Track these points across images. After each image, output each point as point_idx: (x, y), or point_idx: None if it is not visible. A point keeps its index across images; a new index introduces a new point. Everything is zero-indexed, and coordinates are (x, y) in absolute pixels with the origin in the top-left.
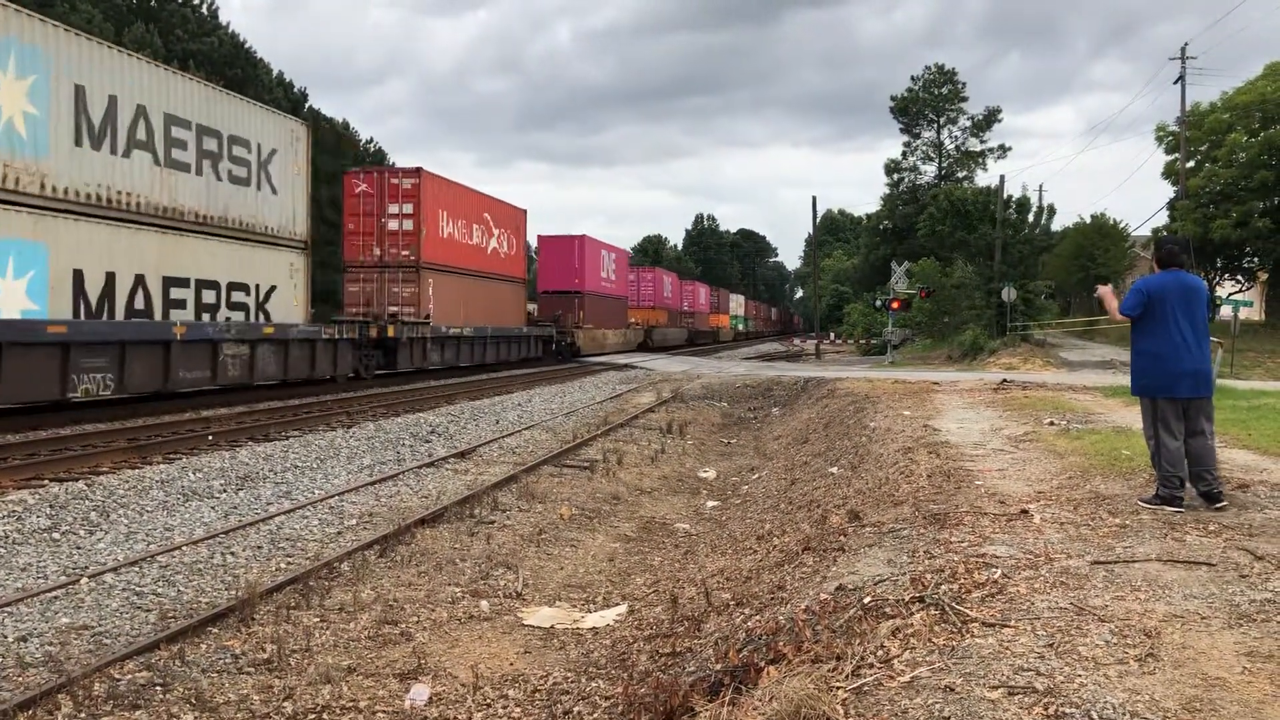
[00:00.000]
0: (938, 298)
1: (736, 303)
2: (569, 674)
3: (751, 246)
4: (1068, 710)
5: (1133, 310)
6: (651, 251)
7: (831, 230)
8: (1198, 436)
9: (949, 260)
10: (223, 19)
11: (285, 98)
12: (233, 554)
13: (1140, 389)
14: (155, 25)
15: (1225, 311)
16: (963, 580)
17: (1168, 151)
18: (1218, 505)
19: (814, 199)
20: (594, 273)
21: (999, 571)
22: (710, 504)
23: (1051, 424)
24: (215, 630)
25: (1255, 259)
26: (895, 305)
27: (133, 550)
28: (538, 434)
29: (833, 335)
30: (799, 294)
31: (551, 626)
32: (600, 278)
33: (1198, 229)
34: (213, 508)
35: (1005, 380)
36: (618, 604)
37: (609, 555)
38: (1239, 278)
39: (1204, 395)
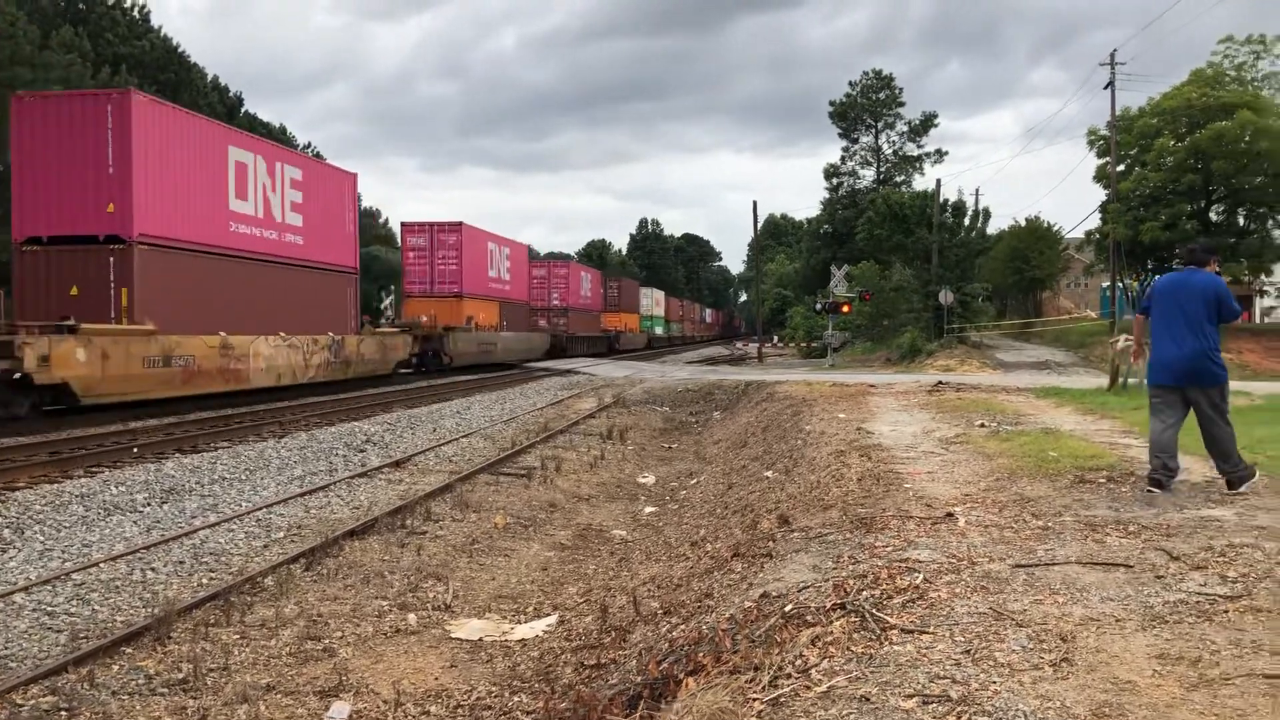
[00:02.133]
0: (877, 301)
1: (651, 300)
2: (494, 688)
3: (696, 251)
4: (979, 719)
5: (1142, 308)
6: (596, 256)
7: (775, 235)
8: (1205, 424)
9: (888, 264)
10: (159, 23)
11: (220, 103)
12: (153, 570)
13: (1146, 378)
14: (84, 28)
15: None
16: (885, 586)
17: (1099, 155)
18: (1234, 491)
19: (754, 204)
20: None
21: (921, 576)
22: (648, 510)
23: (982, 426)
24: (129, 650)
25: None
26: (835, 309)
27: (46, 568)
28: (476, 441)
29: (775, 339)
30: (743, 298)
31: (480, 639)
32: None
33: (1128, 231)
34: (135, 522)
35: (940, 382)
36: (548, 614)
37: (543, 564)
38: None
39: (1196, 385)
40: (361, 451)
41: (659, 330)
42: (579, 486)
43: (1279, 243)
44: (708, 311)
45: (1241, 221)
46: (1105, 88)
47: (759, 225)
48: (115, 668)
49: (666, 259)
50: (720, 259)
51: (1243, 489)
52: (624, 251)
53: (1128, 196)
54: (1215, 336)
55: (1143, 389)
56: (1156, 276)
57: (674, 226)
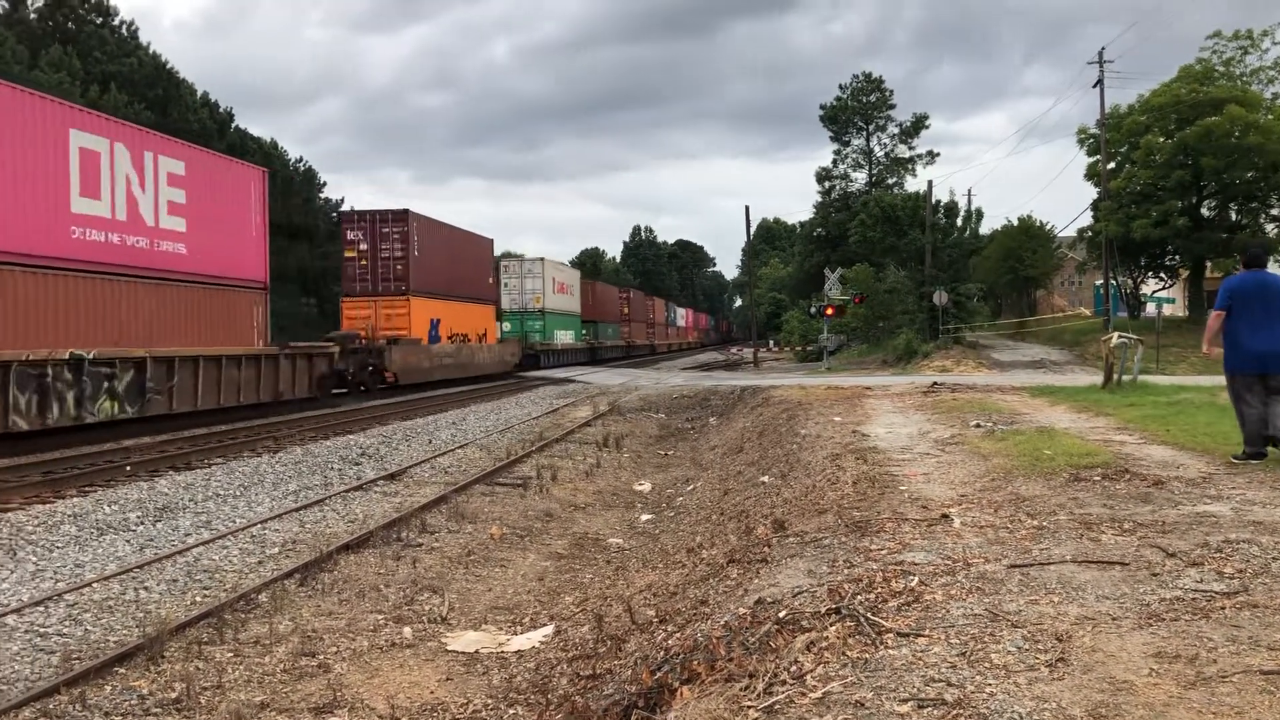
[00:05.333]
0: (871, 303)
1: (560, 292)
2: (489, 700)
3: (689, 257)
4: None
5: (1220, 306)
6: (590, 265)
7: (768, 239)
8: (1277, 404)
9: (882, 266)
10: (149, 39)
11: (210, 118)
12: (146, 589)
13: (1226, 368)
14: (73, 47)
15: (1149, 309)
16: (880, 589)
17: (1089, 154)
18: None
19: (747, 208)
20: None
21: (916, 579)
22: (644, 518)
23: (978, 426)
24: (122, 670)
25: (1176, 257)
26: (830, 312)
27: (39, 589)
28: (471, 452)
29: (771, 343)
30: (738, 303)
31: (476, 651)
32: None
33: (1120, 229)
34: (128, 541)
35: (936, 383)
36: (545, 625)
37: (539, 574)
38: (1161, 275)
39: (1278, 371)
40: (357, 465)
41: (581, 337)
42: (575, 495)
43: (1271, 236)
44: (680, 312)
45: (1234, 216)
46: (1094, 86)
47: (752, 230)
48: (108, 688)
49: (660, 265)
50: (714, 264)
51: None
52: (618, 259)
53: (1119, 194)
54: None
55: (1136, 386)
56: (1227, 276)
57: (667, 233)
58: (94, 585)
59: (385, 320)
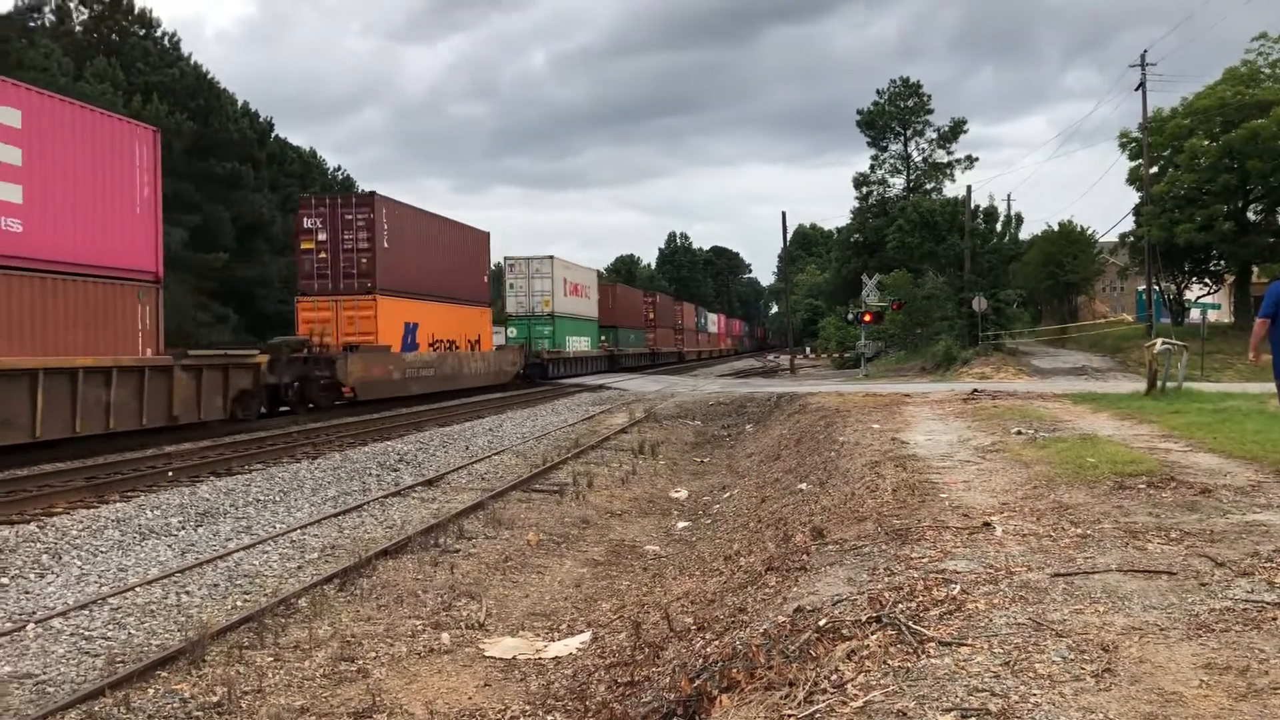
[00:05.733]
0: (910, 309)
1: (574, 294)
2: (528, 707)
3: (725, 263)
4: None
5: (1265, 313)
6: (625, 271)
7: (804, 245)
8: None
9: (920, 272)
10: (191, 50)
11: (250, 128)
12: (188, 593)
13: (1276, 374)
14: (116, 59)
15: (1194, 314)
16: (921, 598)
17: (1131, 157)
18: None
19: (784, 214)
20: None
21: (958, 587)
22: (681, 525)
23: (1019, 433)
24: (164, 674)
25: (1221, 262)
26: (867, 318)
27: (84, 593)
28: (508, 459)
29: (808, 350)
30: (773, 309)
31: (513, 657)
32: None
33: (1163, 234)
34: (169, 546)
35: (976, 390)
36: (582, 631)
37: (576, 581)
38: (1206, 280)
39: None
40: (394, 470)
41: (580, 342)
42: (611, 502)
43: None
44: (711, 317)
45: None
46: (1136, 89)
47: (789, 236)
48: (151, 691)
49: (695, 272)
50: (750, 271)
51: None
52: (653, 266)
53: (1162, 198)
54: None
55: (1181, 393)
56: (1273, 282)
57: (703, 240)
58: (137, 589)
59: (348, 324)
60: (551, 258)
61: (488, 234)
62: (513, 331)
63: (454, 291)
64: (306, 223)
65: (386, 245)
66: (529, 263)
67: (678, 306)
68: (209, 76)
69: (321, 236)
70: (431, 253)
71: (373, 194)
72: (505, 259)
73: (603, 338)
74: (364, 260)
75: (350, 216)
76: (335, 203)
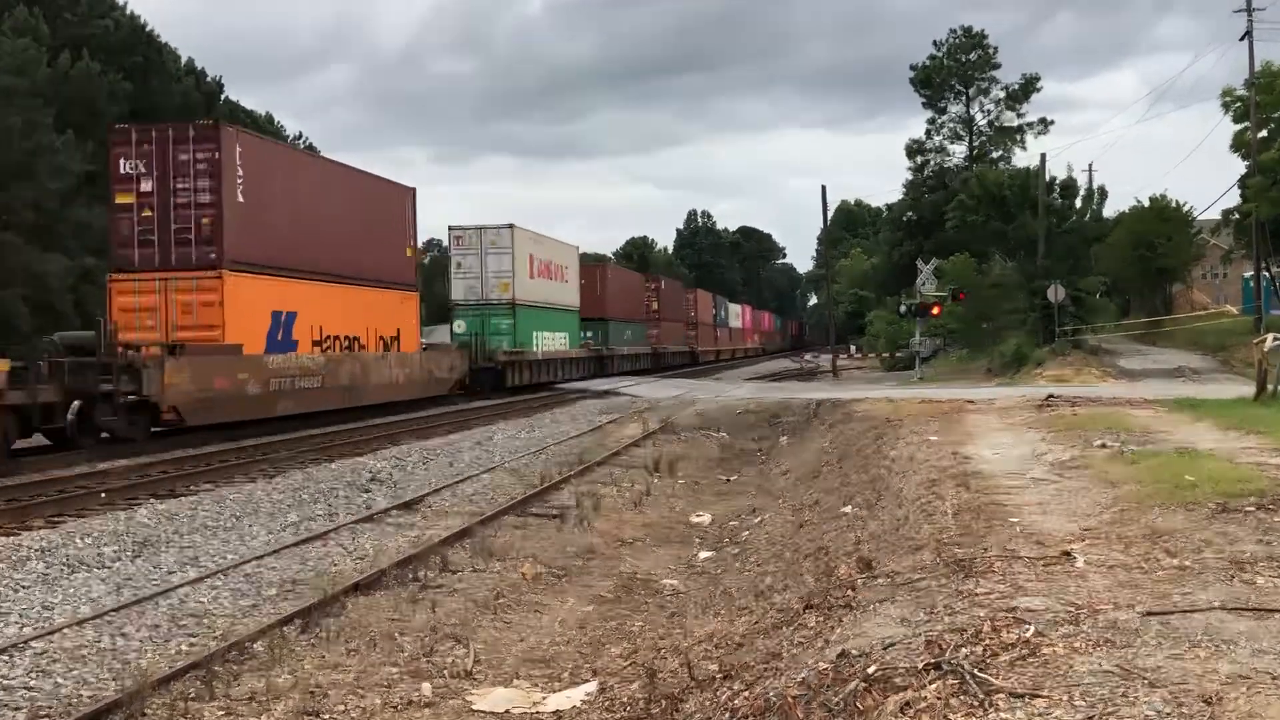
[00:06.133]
0: (973, 300)
1: (544, 276)
2: None
3: (754, 247)
4: None
5: None
6: (637, 256)
7: (849, 225)
8: None
9: (985, 256)
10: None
11: (196, 88)
12: (124, 635)
13: None
14: (38, 8)
15: None
16: (988, 641)
17: (1236, 120)
18: None
19: (823, 189)
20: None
21: (1032, 629)
22: (703, 555)
23: (1103, 446)
24: None
25: None
26: (937, 310)
27: (2, 635)
28: (499, 477)
29: (852, 348)
30: (812, 300)
31: (506, 711)
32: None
33: (1274, 209)
34: (103, 580)
35: (1051, 395)
36: (587, 681)
37: (580, 622)
38: None
39: None
40: (366, 492)
41: (553, 340)
42: (621, 529)
43: None
44: (734, 309)
45: None
46: (1242, 39)
47: (830, 214)
48: None
49: (720, 257)
50: (784, 255)
51: None
52: (670, 249)
53: (1273, 168)
54: None
55: None
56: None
57: (728, 219)
58: (65, 631)
59: (183, 313)
60: (511, 226)
61: (412, 189)
62: (460, 326)
63: (358, 269)
64: (124, 165)
65: (242, 199)
66: (481, 233)
67: (689, 295)
68: (147, 29)
69: (145, 186)
70: (321, 212)
71: (217, 124)
72: (450, 229)
73: (586, 334)
74: (205, 220)
75: (186, 156)
76: (165, 136)
